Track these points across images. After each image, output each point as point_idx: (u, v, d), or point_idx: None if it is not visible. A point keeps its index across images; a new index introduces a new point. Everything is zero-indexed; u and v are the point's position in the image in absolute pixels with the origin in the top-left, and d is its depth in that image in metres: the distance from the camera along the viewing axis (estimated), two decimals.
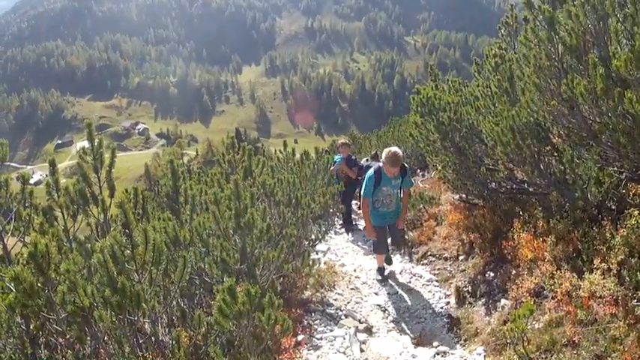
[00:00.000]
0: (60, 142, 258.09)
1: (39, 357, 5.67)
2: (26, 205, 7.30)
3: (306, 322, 9.10)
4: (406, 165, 11.04)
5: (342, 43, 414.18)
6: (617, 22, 6.44)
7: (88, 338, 5.44)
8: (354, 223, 18.27)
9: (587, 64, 6.63)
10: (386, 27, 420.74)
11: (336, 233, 16.72)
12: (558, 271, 6.94)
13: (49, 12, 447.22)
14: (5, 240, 6.36)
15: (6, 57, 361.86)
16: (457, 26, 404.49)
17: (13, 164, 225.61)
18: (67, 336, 5.37)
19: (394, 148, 10.32)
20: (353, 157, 18.55)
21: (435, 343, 8.27)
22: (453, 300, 9.66)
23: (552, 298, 6.81)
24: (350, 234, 17.08)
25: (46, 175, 7.88)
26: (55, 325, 5.31)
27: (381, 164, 10.67)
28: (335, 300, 10.32)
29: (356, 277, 11.82)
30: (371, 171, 10.87)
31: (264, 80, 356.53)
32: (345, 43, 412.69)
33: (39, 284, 4.89)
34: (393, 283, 11.19)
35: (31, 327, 5.58)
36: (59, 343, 5.63)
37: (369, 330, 9.01)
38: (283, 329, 5.60)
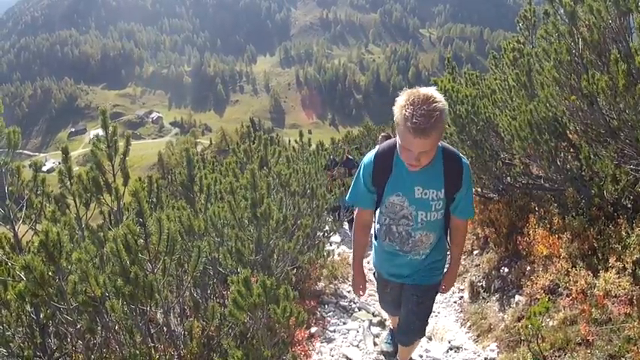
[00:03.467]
0: (73, 130, 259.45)
1: (49, 346, 5.66)
2: (38, 192, 7.28)
3: (319, 314, 9.08)
4: (462, 158, 4.78)
5: (357, 34, 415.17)
6: None
7: (99, 328, 5.42)
8: None
9: (609, 60, 6.56)
10: (401, 19, 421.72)
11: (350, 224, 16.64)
12: (573, 268, 6.87)
13: (62, 1, 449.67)
14: (17, 228, 6.34)
15: (19, 45, 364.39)
16: (472, 19, 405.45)
17: (26, 152, 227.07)
18: (78, 326, 5.35)
19: (424, 89, 4.17)
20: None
21: (449, 338, 8.23)
22: (466, 295, 9.61)
23: (567, 295, 6.75)
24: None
25: (59, 163, 7.86)
26: (65, 315, 5.29)
27: (390, 142, 4.87)
28: (348, 292, 10.29)
29: (369, 269, 11.78)
30: (367, 156, 5.04)
31: (279, 70, 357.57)
32: (360, 35, 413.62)
33: (50, 273, 4.86)
34: None
35: (41, 316, 5.57)
36: (69, 332, 5.61)
37: (382, 323, 8.95)
38: (298, 322, 5.56)
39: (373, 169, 4.84)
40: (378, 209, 5.15)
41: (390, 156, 4.73)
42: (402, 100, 4.04)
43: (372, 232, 5.56)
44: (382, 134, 17.84)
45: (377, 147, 5.06)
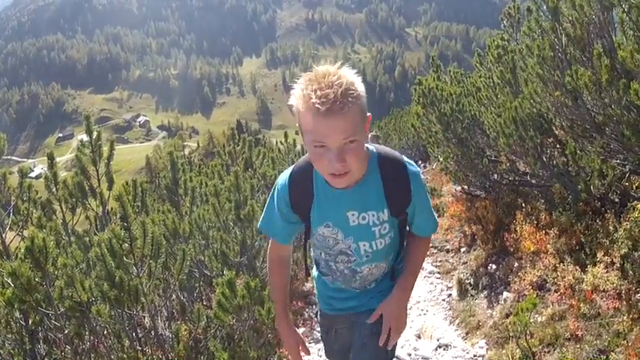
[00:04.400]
0: (61, 135, 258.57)
1: (38, 352, 5.64)
2: (25, 198, 7.25)
3: (307, 314, 9.06)
4: (407, 163, 3.48)
5: (343, 34, 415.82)
6: (623, 12, 6.38)
7: (87, 333, 5.40)
8: None
9: (592, 55, 6.58)
10: (387, 18, 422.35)
11: None
12: (561, 264, 6.89)
13: (49, 6, 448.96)
14: (4, 234, 6.31)
15: (6, 51, 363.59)
16: (458, 18, 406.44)
17: (14, 158, 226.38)
18: (66, 331, 5.33)
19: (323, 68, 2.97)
20: None
21: (437, 336, 8.23)
22: (454, 292, 9.61)
23: (555, 291, 6.76)
24: None
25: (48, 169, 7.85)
26: (53, 321, 5.27)
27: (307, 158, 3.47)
28: None
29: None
30: (281, 176, 3.74)
31: (265, 72, 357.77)
32: (346, 35, 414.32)
33: (36, 279, 4.84)
34: None
35: (29, 322, 5.55)
36: (58, 338, 5.59)
37: None
38: None
39: (289, 195, 3.50)
40: (314, 247, 3.83)
41: (309, 175, 3.42)
42: (298, 84, 2.97)
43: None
44: (371, 134, 17.50)
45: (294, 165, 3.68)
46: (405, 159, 3.43)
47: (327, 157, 2.83)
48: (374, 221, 3.37)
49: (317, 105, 2.71)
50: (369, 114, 3.03)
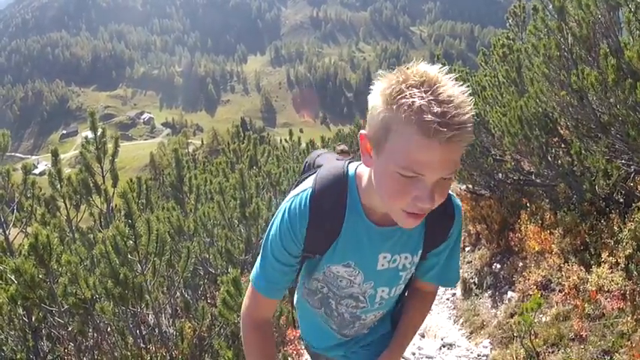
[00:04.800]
0: (65, 132, 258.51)
1: (41, 349, 5.63)
2: (28, 195, 7.26)
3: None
4: (454, 198, 2.62)
5: (347, 32, 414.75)
6: (629, 12, 6.37)
7: (90, 330, 5.40)
8: None
9: (598, 54, 6.56)
10: (391, 17, 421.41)
11: None
12: (566, 264, 6.88)
13: (53, 3, 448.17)
14: (8, 231, 6.32)
15: (10, 48, 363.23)
16: (463, 17, 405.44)
17: (18, 155, 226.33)
18: (69, 328, 5.33)
19: (435, 68, 1.97)
20: None
21: (442, 335, 8.23)
22: (459, 291, 9.61)
23: (559, 291, 6.75)
24: None
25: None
26: (57, 318, 5.27)
27: (337, 175, 2.47)
28: None
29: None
30: (290, 202, 2.46)
31: (270, 70, 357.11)
32: (351, 33, 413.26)
33: (40, 276, 4.84)
34: None
35: (33, 319, 5.55)
36: (61, 335, 5.59)
37: None
38: (289, 321, 5.55)
39: (308, 227, 2.41)
40: (303, 271, 2.82)
41: (341, 200, 2.43)
42: (395, 82, 1.93)
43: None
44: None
45: (307, 185, 2.53)
46: (453, 196, 2.55)
47: (416, 191, 1.96)
48: (404, 265, 2.63)
49: (437, 127, 1.80)
50: None
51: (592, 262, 6.51)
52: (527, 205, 8.91)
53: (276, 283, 2.57)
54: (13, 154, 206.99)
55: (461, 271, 9.94)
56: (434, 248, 2.66)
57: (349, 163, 2.54)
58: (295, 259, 2.52)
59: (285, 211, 2.44)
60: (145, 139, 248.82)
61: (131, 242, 5.14)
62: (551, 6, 7.37)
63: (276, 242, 2.46)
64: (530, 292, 7.13)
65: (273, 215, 2.65)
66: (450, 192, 2.30)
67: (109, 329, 5.59)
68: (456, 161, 1.94)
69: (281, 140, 19.85)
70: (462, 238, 10.33)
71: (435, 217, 2.36)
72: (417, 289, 2.95)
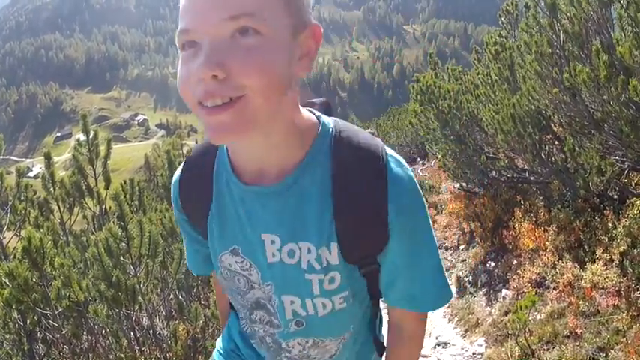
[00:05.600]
0: (59, 134, 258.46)
1: (36, 352, 5.63)
2: (22, 198, 7.25)
3: None
4: (391, 160, 1.68)
5: (341, 32, 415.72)
6: (621, 9, 6.37)
7: (84, 333, 5.40)
8: None
9: (590, 51, 6.57)
10: (385, 16, 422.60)
11: None
12: (560, 261, 6.89)
13: (47, 5, 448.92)
14: (1, 234, 6.32)
15: (4, 51, 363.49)
16: (456, 15, 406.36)
17: (12, 158, 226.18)
18: (64, 331, 5.32)
19: None
20: None
21: (436, 334, 8.22)
22: (453, 290, 9.59)
23: (554, 288, 6.75)
24: None
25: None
26: (51, 321, 5.26)
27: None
28: None
29: None
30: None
31: None
32: (344, 32, 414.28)
33: (34, 279, 4.84)
34: None
35: (27, 322, 5.55)
36: (56, 338, 5.59)
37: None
38: None
39: (180, 192, 2.01)
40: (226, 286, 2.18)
41: (209, 160, 1.92)
42: None
43: None
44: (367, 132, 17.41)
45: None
46: (388, 151, 1.73)
47: (196, 62, 1.42)
48: (310, 263, 1.74)
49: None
50: (314, 23, 1.55)
51: (586, 259, 6.52)
52: (521, 202, 8.93)
53: (190, 257, 2.23)
54: (7, 157, 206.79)
55: (455, 269, 9.94)
56: (375, 245, 1.73)
57: None
58: (191, 229, 2.05)
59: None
60: (140, 141, 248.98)
61: (124, 244, 5.14)
62: (543, 3, 7.38)
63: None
64: (525, 290, 7.14)
65: None
66: (392, 156, 1.71)
67: (103, 332, 5.59)
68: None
69: None
70: (456, 237, 10.38)
71: (350, 185, 1.65)
72: (390, 323, 2.03)
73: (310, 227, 1.70)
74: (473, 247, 10.12)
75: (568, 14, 7.07)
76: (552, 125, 8.09)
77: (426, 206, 1.78)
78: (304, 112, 1.73)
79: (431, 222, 1.78)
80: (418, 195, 1.71)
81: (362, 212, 1.65)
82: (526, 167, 8.79)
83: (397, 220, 1.65)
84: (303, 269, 1.74)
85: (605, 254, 6.24)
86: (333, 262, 1.72)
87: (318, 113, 1.81)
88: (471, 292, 8.90)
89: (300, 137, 1.67)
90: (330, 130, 1.73)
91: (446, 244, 11.49)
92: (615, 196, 7.17)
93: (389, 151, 1.73)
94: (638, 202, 6.32)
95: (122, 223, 5.08)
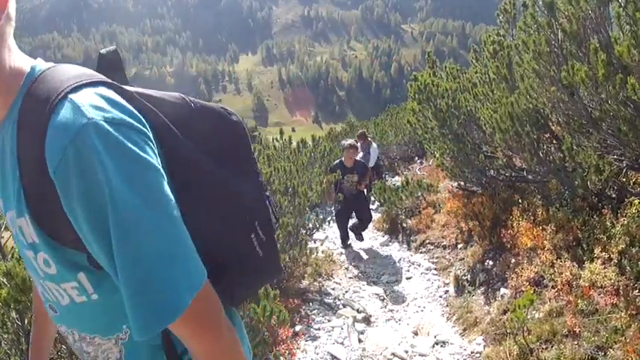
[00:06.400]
0: None
1: None
2: None
3: (303, 312, 9.01)
4: (71, 103, 1.32)
5: (339, 31, 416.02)
6: (619, 7, 6.36)
7: None
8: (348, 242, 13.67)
9: (588, 50, 6.56)
10: (383, 15, 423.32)
11: (334, 221, 16.55)
12: (558, 260, 6.87)
13: (44, 4, 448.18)
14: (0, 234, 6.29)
15: None
16: (454, 14, 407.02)
17: None
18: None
19: None
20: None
21: (435, 333, 8.21)
22: (452, 289, 9.60)
23: (552, 287, 6.74)
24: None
25: None
26: None
27: None
28: (333, 289, 10.22)
29: (354, 266, 11.73)
30: None
31: (261, 69, 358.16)
32: (342, 32, 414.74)
33: (31, 279, 4.83)
34: (392, 272, 11.10)
35: (25, 322, 5.52)
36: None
37: (367, 320, 8.91)
38: (279, 321, 5.53)
39: None
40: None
41: None
42: None
43: None
44: (359, 133, 17.20)
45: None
46: (80, 96, 1.36)
47: None
48: (25, 236, 1.49)
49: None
50: None
51: (585, 257, 6.50)
52: (519, 201, 8.92)
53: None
54: None
55: (453, 268, 9.95)
56: (47, 216, 1.41)
57: None
58: None
59: None
60: None
61: None
62: (541, 2, 7.36)
63: None
64: (523, 289, 7.13)
65: None
66: (76, 102, 1.33)
67: None
68: None
69: (273, 139, 19.83)
70: (455, 236, 10.40)
71: (26, 141, 1.39)
72: None
73: (10, 193, 1.47)
74: (471, 246, 10.11)
75: (566, 13, 7.06)
76: (550, 124, 8.08)
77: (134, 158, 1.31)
78: (19, 58, 1.50)
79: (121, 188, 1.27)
80: (112, 144, 1.28)
81: (33, 174, 1.36)
82: (524, 166, 8.78)
83: (61, 179, 1.28)
84: (23, 243, 1.50)
85: (604, 253, 6.23)
86: (34, 238, 1.45)
87: (39, 60, 1.56)
88: (469, 291, 8.89)
89: (5, 84, 1.44)
90: (36, 74, 1.47)
91: (444, 243, 11.48)
92: (614, 195, 7.17)
93: (85, 94, 1.37)
94: (636, 201, 6.31)
95: None
